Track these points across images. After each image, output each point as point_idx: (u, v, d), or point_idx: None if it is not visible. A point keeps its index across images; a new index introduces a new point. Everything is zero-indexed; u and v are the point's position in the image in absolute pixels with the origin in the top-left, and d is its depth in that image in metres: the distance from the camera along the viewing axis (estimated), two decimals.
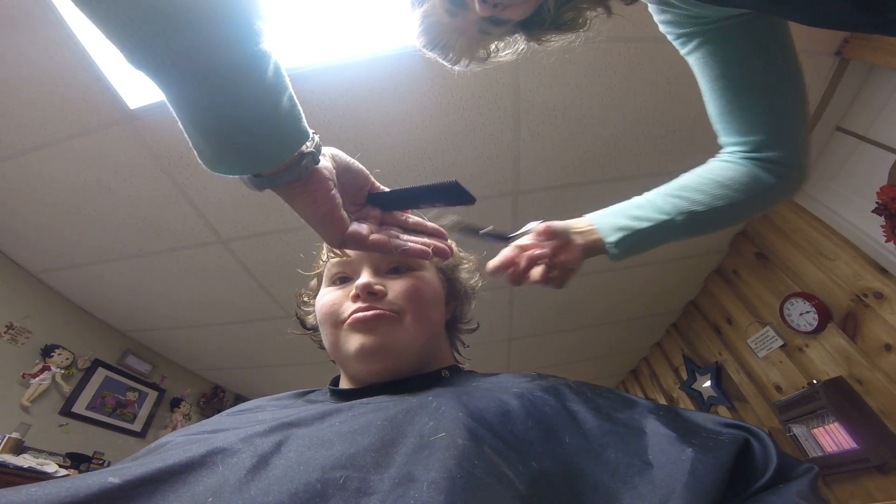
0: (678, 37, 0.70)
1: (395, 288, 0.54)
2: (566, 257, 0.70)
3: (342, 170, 0.47)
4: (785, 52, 0.64)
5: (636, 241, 0.70)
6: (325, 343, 0.56)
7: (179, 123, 0.37)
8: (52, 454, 2.34)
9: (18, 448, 2.13)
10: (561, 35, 0.71)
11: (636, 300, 2.87)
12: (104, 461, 2.60)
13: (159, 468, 0.28)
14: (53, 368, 2.46)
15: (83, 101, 1.49)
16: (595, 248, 0.72)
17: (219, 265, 2.27)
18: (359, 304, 0.51)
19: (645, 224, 0.69)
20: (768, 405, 2.33)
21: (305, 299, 0.67)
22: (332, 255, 0.57)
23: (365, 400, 0.44)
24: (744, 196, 0.67)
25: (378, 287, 0.52)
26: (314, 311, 0.59)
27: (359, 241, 0.46)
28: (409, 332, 0.51)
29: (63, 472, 2.13)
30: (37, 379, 2.38)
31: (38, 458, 2.16)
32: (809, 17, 0.51)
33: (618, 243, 0.70)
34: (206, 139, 0.37)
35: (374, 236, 0.47)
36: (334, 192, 0.44)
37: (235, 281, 2.39)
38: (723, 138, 0.72)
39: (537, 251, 0.70)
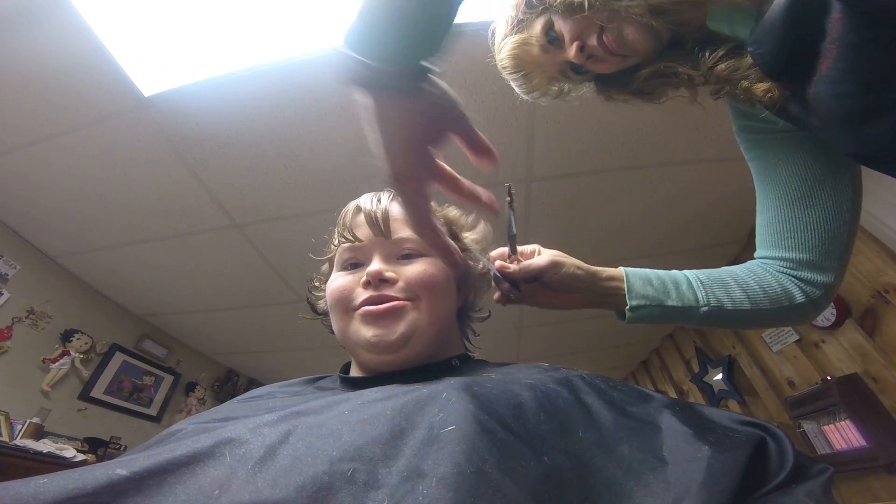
0: (747, 140, 0.69)
1: (407, 274, 0.53)
2: (544, 300, 0.65)
3: (443, 109, 0.43)
4: (854, 175, 0.62)
5: (655, 314, 0.64)
6: (335, 329, 0.55)
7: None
8: (70, 439, 2.40)
9: (38, 433, 2.19)
10: (635, 100, 0.74)
11: None
12: (121, 446, 2.67)
13: (167, 459, 0.28)
14: (73, 353, 2.52)
15: (98, 89, 1.50)
16: (605, 300, 0.65)
17: (233, 249, 2.30)
18: (370, 293, 0.51)
19: (673, 303, 0.63)
20: (779, 400, 2.30)
21: (317, 284, 0.67)
22: (343, 239, 0.57)
23: (375, 389, 0.43)
24: (769, 306, 0.63)
25: (389, 274, 0.52)
26: (325, 296, 0.59)
27: (410, 190, 0.43)
28: (422, 319, 0.51)
29: (81, 456, 2.19)
30: (57, 364, 2.43)
31: (57, 443, 2.21)
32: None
33: (635, 308, 0.63)
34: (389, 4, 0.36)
35: (426, 205, 0.45)
36: (425, 120, 0.41)
37: (249, 265, 2.42)
38: (762, 249, 0.68)
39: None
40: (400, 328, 0.49)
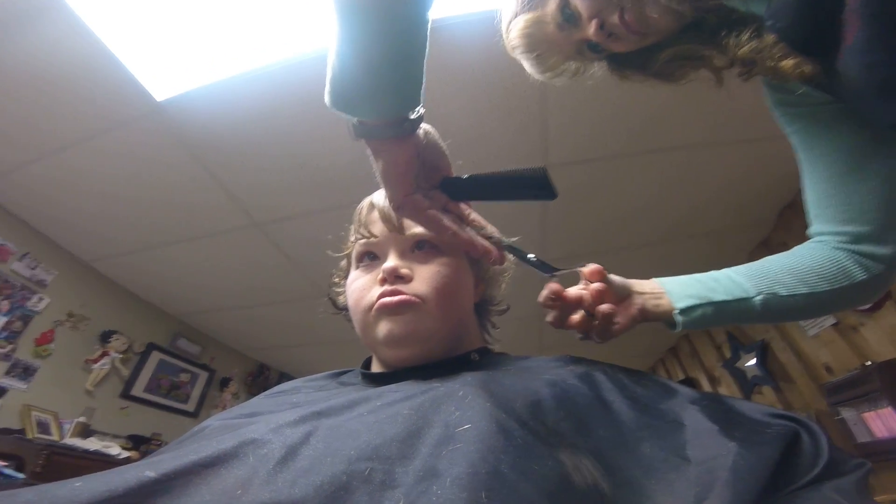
0: (785, 114, 0.65)
1: (422, 274, 0.53)
2: (619, 318, 0.57)
3: (429, 146, 0.50)
4: None
5: (707, 313, 0.57)
6: (356, 328, 0.56)
7: (336, 62, 0.42)
8: (115, 437, 2.53)
9: (85, 432, 2.31)
10: (654, 81, 0.71)
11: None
12: (162, 442, 2.77)
13: (192, 461, 0.29)
14: (112, 353, 2.64)
15: (112, 96, 1.54)
16: (656, 313, 0.59)
17: (255, 248, 2.36)
18: (385, 288, 0.51)
19: (721, 297, 0.58)
20: (816, 386, 2.22)
21: (336, 280, 0.68)
22: (360, 235, 0.58)
23: (393, 387, 0.44)
24: (828, 287, 0.58)
25: (404, 271, 0.52)
26: (345, 292, 0.60)
27: (416, 209, 0.50)
28: (435, 320, 0.51)
29: (125, 454, 2.30)
30: (98, 364, 2.55)
31: (102, 440, 2.33)
32: None
33: (686, 311, 0.57)
34: (367, 71, 0.42)
35: (430, 211, 0.50)
36: (415, 159, 0.48)
37: (272, 263, 2.48)
38: (816, 225, 0.63)
39: (589, 299, 0.55)
40: (414, 323, 0.50)
